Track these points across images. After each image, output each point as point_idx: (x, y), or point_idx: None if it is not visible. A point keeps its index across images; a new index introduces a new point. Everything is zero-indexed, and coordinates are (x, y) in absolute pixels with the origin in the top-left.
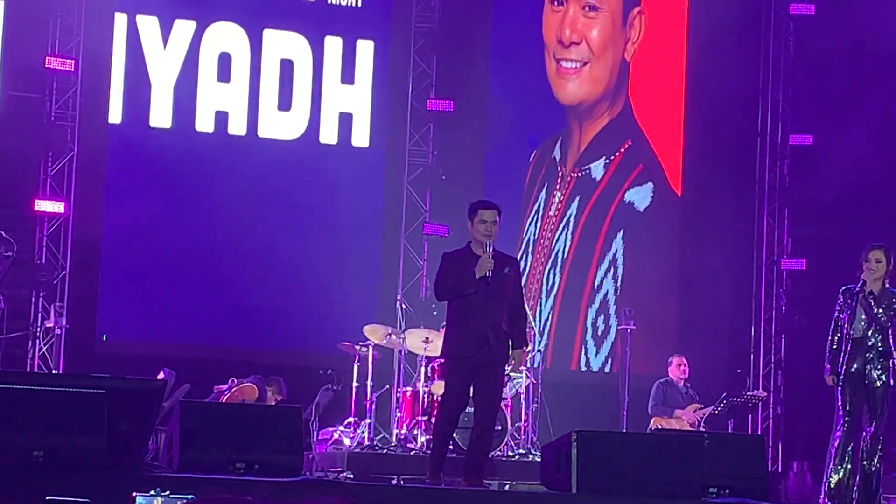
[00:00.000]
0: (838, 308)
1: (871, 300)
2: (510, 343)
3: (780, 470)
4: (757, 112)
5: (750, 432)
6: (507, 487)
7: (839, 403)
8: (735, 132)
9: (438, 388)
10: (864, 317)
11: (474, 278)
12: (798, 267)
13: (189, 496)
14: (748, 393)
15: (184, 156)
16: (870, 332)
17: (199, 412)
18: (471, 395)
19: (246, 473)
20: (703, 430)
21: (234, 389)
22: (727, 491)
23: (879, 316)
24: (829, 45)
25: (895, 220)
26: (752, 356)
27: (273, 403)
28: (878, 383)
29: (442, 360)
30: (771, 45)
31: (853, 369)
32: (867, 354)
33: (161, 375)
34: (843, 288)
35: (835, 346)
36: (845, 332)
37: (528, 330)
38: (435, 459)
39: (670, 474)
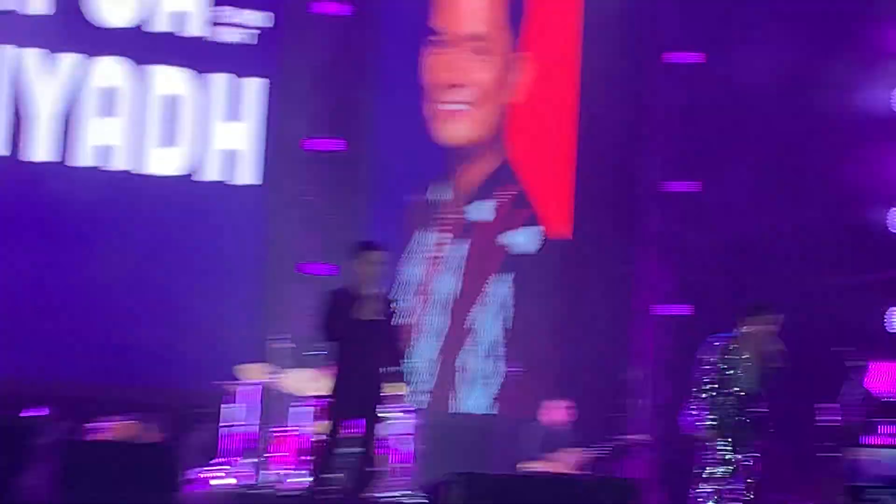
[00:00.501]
0: None
1: None
2: (390, 383)
3: None
4: (643, 157)
5: (631, 475)
6: None
7: None
8: (621, 176)
9: (318, 428)
10: None
11: (358, 319)
12: (682, 312)
13: None
14: (630, 437)
15: (63, 190)
16: None
17: (75, 450)
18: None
19: None
20: (585, 472)
21: (112, 428)
22: None
23: None
24: (711, 93)
25: (775, 271)
26: (634, 400)
27: (150, 442)
28: None
29: (324, 400)
30: (657, 91)
31: None
32: None
33: (36, 413)
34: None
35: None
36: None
37: (409, 371)
38: (317, 496)
39: None
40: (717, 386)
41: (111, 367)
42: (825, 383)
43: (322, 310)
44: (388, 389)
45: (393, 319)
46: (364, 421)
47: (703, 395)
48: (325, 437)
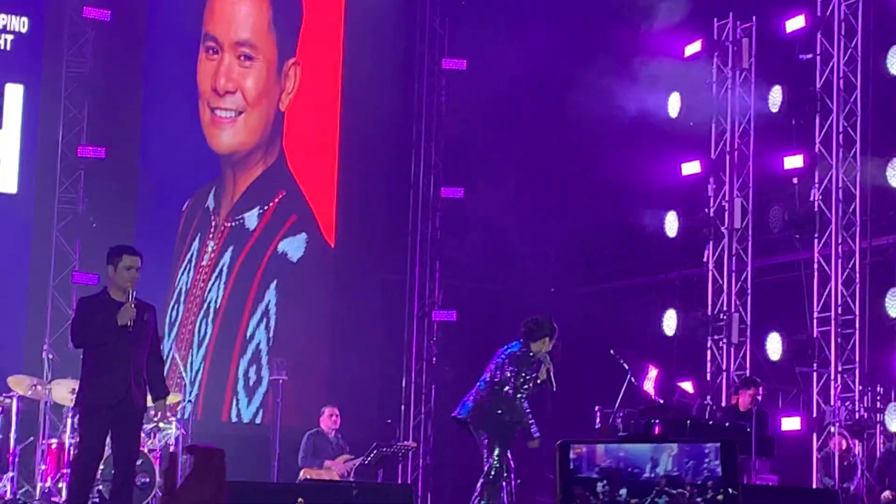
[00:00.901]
0: None
1: None
2: (152, 392)
3: None
4: (410, 164)
5: (400, 482)
6: None
7: None
8: (389, 184)
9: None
10: None
11: (115, 325)
12: (449, 318)
13: None
14: (398, 443)
15: None
16: None
17: None
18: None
19: None
20: (353, 480)
21: None
22: None
23: None
24: (479, 98)
25: (542, 275)
26: (402, 407)
27: None
28: None
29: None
30: (424, 98)
31: None
32: None
33: None
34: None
35: None
36: None
37: (177, 380)
38: None
39: None
40: (514, 392)
41: None
42: (602, 386)
43: (77, 315)
44: (152, 398)
45: (151, 325)
46: (124, 429)
47: (506, 400)
48: (81, 447)
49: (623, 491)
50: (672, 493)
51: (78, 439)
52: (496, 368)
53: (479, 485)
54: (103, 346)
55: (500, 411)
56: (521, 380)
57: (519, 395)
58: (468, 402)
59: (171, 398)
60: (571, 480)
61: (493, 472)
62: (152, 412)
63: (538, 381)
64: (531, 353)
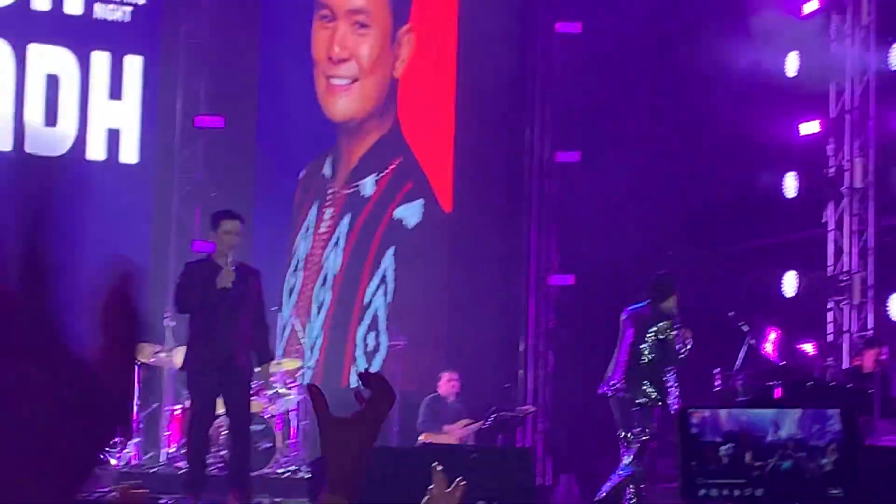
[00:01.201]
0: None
1: None
2: (256, 357)
3: (549, 483)
4: (525, 129)
5: (518, 446)
6: None
7: None
8: (504, 149)
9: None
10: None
11: (215, 289)
12: (566, 283)
13: None
14: (517, 408)
15: None
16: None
17: None
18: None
19: None
20: (472, 444)
21: None
22: (495, 503)
23: None
24: (594, 61)
25: (661, 237)
26: (520, 371)
27: None
28: None
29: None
30: (538, 63)
31: None
32: None
33: None
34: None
35: None
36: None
37: (296, 346)
38: (190, 478)
39: None
40: (641, 356)
41: None
42: (721, 349)
43: (180, 280)
44: (257, 362)
45: (254, 290)
46: (232, 394)
47: (627, 365)
48: (191, 412)
49: (747, 454)
50: (795, 455)
51: (190, 405)
52: (629, 333)
53: (629, 490)
54: (205, 310)
55: (644, 384)
56: (653, 341)
57: (651, 357)
58: (613, 377)
59: (291, 364)
60: (695, 445)
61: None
62: (272, 378)
63: (668, 342)
64: (661, 312)
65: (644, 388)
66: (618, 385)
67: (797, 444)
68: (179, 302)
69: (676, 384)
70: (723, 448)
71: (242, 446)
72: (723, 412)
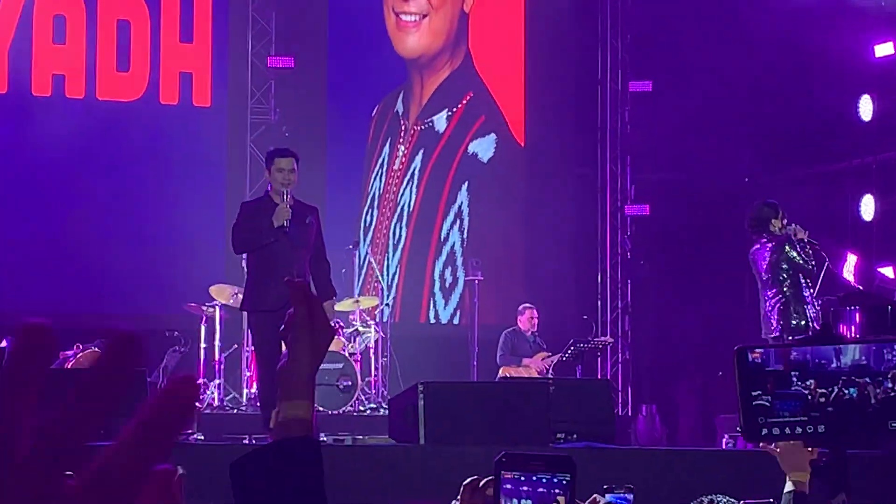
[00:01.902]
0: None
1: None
2: (317, 294)
3: (629, 414)
4: (597, 59)
5: (598, 377)
6: (357, 442)
7: None
8: (575, 80)
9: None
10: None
11: (272, 227)
12: (642, 213)
13: None
14: (595, 339)
15: (21, 120)
16: None
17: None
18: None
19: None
20: (551, 377)
21: (79, 356)
22: (574, 436)
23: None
24: None
25: (735, 164)
26: (598, 302)
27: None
28: None
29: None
30: None
31: None
32: None
33: (3, 344)
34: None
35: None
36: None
37: (374, 283)
38: (268, 417)
39: (517, 422)
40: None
41: (81, 295)
42: None
43: (237, 220)
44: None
45: (313, 227)
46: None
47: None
48: (258, 353)
49: (811, 381)
50: (858, 381)
51: (254, 347)
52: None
53: None
54: (263, 249)
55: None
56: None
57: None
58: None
59: (368, 302)
60: (756, 378)
61: None
62: (351, 316)
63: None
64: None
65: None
66: None
67: (860, 370)
68: (236, 242)
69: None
70: (789, 375)
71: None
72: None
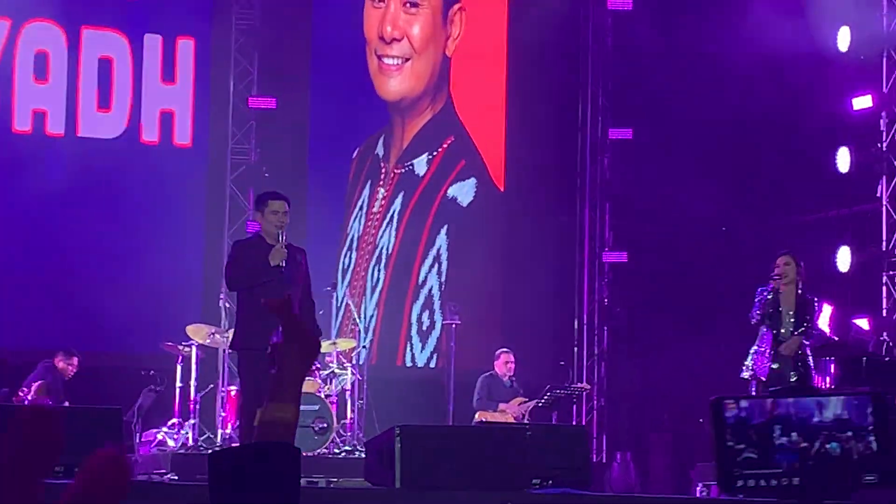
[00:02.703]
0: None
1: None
2: None
3: (604, 461)
4: (577, 106)
5: (574, 423)
6: (332, 485)
7: None
8: (556, 126)
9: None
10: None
11: (268, 266)
12: (620, 259)
13: None
14: (571, 385)
15: (1, 156)
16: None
17: (12, 414)
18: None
19: (64, 477)
20: (528, 422)
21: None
22: (550, 482)
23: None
24: (646, 38)
25: (713, 213)
26: (575, 348)
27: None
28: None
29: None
30: (590, 39)
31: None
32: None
33: None
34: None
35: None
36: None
37: (350, 326)
38: None
39: (494, 467)
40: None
41: (56, 332)
42: None
43: (231, 258)
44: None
45: (303, 268)
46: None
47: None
48: (243, 392)
49: (794, 434)
50: (840, 436)
51: (241, 385)
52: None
53: None
54: (257, 287)
55: None
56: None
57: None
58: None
59: (345, 344)
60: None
61: None
62: (328, 358)
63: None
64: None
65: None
66: None
67: (842, 424)
68: (230, 279)
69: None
70: (773, 428)
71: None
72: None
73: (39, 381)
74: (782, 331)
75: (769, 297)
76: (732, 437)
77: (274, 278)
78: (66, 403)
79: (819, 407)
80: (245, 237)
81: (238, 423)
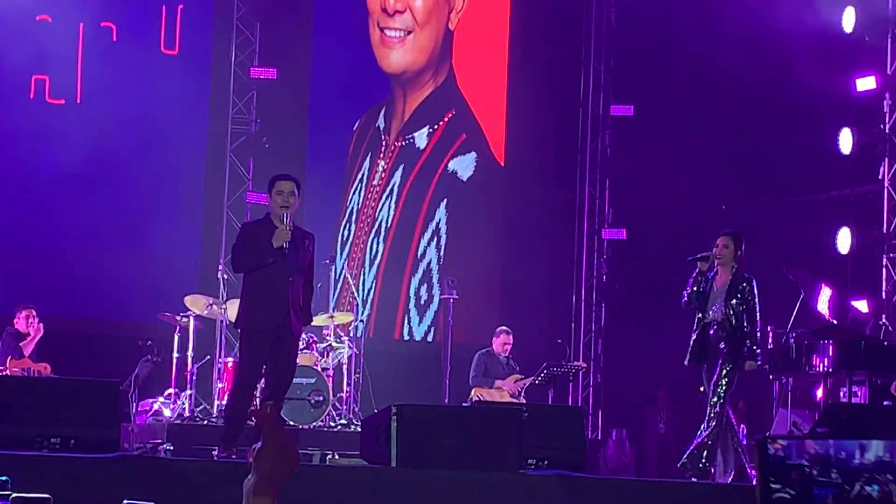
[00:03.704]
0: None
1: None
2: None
3: (599, 437)
4: (579, 82)
5: (570, 401)
6: (328, 459)
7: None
8: (557, 102)
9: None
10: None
11: (272, 248)
12: (619, 237)
13: (3, 478)
14: (568, 364)
15: (2, 122)
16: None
17: (8, 385)
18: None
19: (61, 450)
20: (524, 400)
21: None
22: (545, 462)
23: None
24: (650, 15)
25: (713, 191)
26: (572, 325)
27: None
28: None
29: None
30: (593, 14)
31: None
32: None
33: None
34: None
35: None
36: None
37: (349, 299)
38: (230, 431)
39: (489, 447)
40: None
41: (54, 300)
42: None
43: (238, 240)
44: (303, 321)
45: (309, 253)
46: (279, 353)
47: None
48: (241, 369)
49: (834, 474)
50: (880, 478)
51: (237, 361)
52: None
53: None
54: (261, 270)
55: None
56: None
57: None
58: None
59: (343, 318)
60: (784, 467)
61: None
62: (325, 331)
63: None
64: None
65: None
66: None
67: (884, 467)
68: (237, 261)
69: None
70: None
71: (275, 405)
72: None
73: (45, 364)
74: (709, 313)
75: (700, 278)
76: (774, 477)
77: (278, 260)
78: (46, 365)
79: (861, 449)
80: (250, 209)
81: (228, 398)
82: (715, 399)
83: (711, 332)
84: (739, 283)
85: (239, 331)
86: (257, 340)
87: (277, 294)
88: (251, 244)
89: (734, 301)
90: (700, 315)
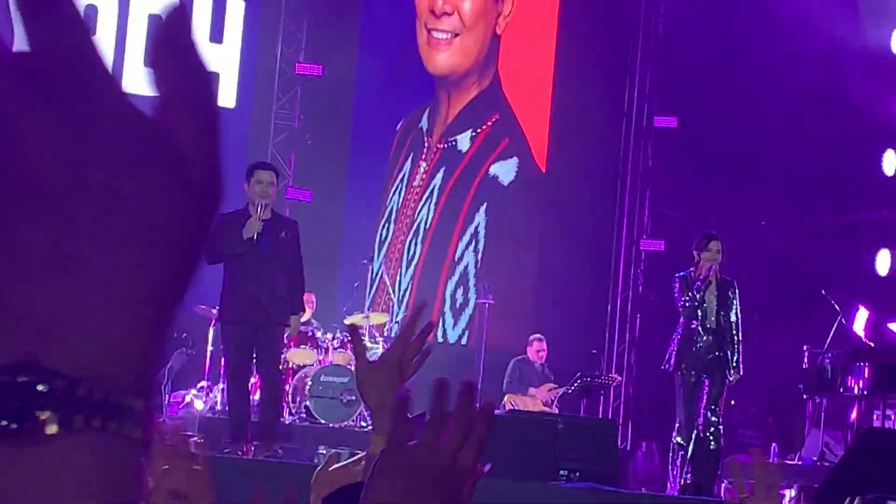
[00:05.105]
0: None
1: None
2: (289, 308)
3: (628, 448)
4: (624, 92)
5: (602, 411)
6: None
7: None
8: (601, 111)
9: (294, 356)
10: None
11: (241, 239)
12: (657, 248)
13: None
14: (602, 375)
15: None
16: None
17: None
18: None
19: None
20: (556, 409)
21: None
22: (577, 474)
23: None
24: (697, 28)
25: (750, 204)
26: (607, 334)
27: None
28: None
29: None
30: (641, 25)
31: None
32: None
33: None
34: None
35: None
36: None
37: (385, 299)
38: (234, 429)
39: (523, 456)
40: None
41: None
42: (811, 325)
43: (212, 230)
44: (286, 313)
45: (288, 242)
46: (263, 345)
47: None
48: (227, 363)
49: None
50: None
51: (224, 357)
52: None
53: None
54: (235, 261)
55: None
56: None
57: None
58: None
59: (378, 318)
60: None
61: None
62: (360, 331)
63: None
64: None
65: None
66: None
67: None
68: (206, 252)
69: None
70: None
71: (271, 399)
72: None
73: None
74: (708, 320)
75: (702, 286)
76: None
77: (248, 251)
78: None
79: None
80: (227, 210)
81: (226, 392)
82: (714, 408)
83: (703, 340)
84: (728, 289)
85: (220, 326)
86: (235, 332)
87: (252, 286)
88: (222, 235)
89: (728, 309)
90: (695, 324)
